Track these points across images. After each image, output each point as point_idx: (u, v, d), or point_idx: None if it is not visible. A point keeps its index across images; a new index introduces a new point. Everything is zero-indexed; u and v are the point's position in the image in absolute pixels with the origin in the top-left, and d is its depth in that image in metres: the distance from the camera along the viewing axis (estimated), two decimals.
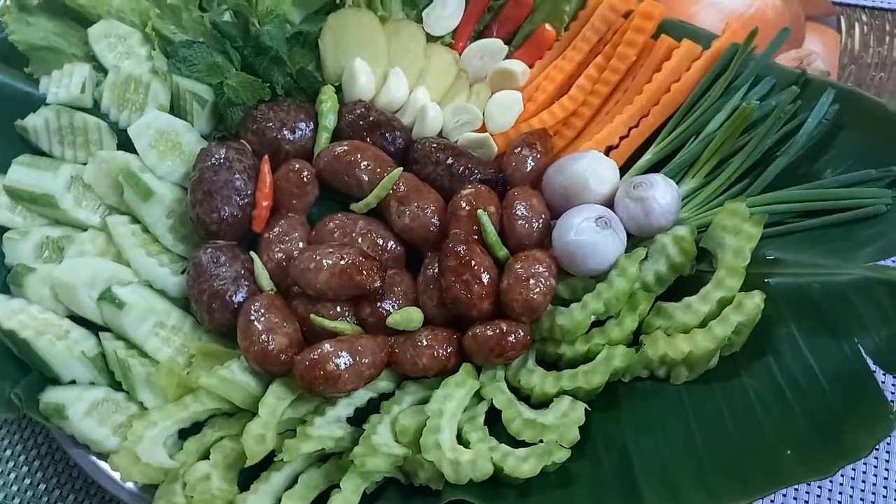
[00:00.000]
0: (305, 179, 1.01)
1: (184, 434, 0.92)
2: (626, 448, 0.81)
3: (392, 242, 0.98)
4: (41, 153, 1.06)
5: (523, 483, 0.81)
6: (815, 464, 0.73)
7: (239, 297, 0.95)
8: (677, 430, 0.81)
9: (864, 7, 1.24)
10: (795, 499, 0.93)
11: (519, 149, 1.01)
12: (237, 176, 0.99)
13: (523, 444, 0.85)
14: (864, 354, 0.77)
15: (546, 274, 0.89)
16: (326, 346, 0.87)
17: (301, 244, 0.98)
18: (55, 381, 0.93)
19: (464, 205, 0.94)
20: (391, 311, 0.93)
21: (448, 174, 1.01)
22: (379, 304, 0.93)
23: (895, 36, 1.20)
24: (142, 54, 1.10)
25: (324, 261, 0.91)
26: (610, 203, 0.95)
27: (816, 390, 0.78)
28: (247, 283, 0.96)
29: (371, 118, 1.05)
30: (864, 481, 0.94)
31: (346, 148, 1.01)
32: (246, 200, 0.99)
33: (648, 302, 0.88)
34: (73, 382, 0.94)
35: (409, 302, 0.95)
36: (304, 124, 1.05)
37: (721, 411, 0.82)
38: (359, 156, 1.01)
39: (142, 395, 0.92)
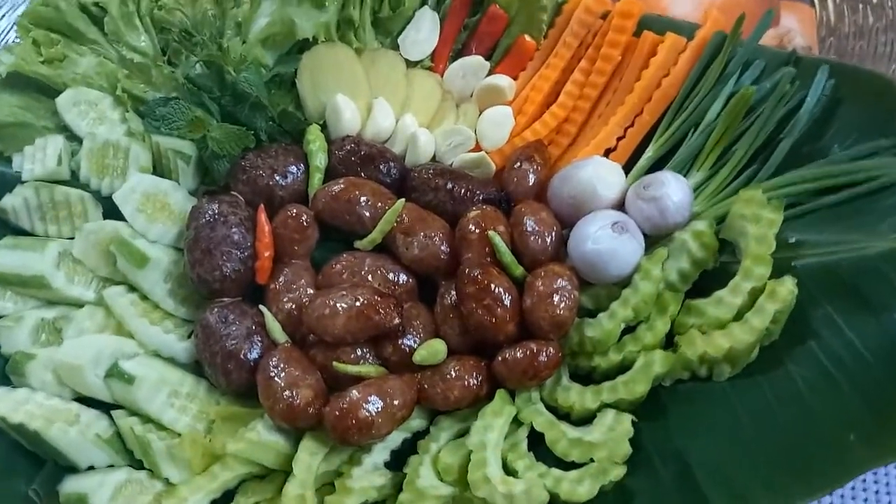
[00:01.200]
0: (305, 224, 0.98)
1: None
2: (681, 455, 0.79)
3: (403, 275, 0.96)
4: (23, 232, 1.02)
5: None
6: (881, 447, 0.71)
7: (254, 355, 0.91)
8: (730, 428, 0.79)
9: None
10: None
11: (518, 164, 1.00)
12: (234, 230, 0.96)
13: (573, 465, 0.82)
14: None
15: (569, 287, 0.87)
16: (354, 393, 0.84)
17: (310, 290, 0.95)
18: (72, 469, 0.89)
19: (472, 228, 0.92)
20: (413, 346, 0.91)
21: (450, 199, 0.99)
22: (400, 340, 0.91)
23: (868, 2, 1.21)
24: (115, 118, 1.07)
25: (338, 304, 0.88)
26: (620, 207, 0.93)
27: (863, 367, 0.76)
28: (260, 338, 0.92)
29: (362, 152, 1.03)
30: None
31: (342, 186, 0.99)
32: (246, 253, 0.96)
33: (678, 302, 0.86)
34: (91, 468, 0.90)
35: (429, 334, 0.92)
36: (294, 167, 1.02)
37: (771, 403, 0.80)
38: (357, 192, 0.98)
39: (166, 470, 0.89)
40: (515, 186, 0.99)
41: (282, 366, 0.88)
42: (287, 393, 0.86)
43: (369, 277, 0.95)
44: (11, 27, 1.41)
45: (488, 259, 0.91)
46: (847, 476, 0.71)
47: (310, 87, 1.08)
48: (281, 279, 0.96)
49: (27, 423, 0.87)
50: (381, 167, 1.02)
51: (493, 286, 0.87)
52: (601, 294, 0.90)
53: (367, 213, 0.98)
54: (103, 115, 1.07)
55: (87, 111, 1.06)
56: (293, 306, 0.94)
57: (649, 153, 0.98)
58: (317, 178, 1.02)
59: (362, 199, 0.98)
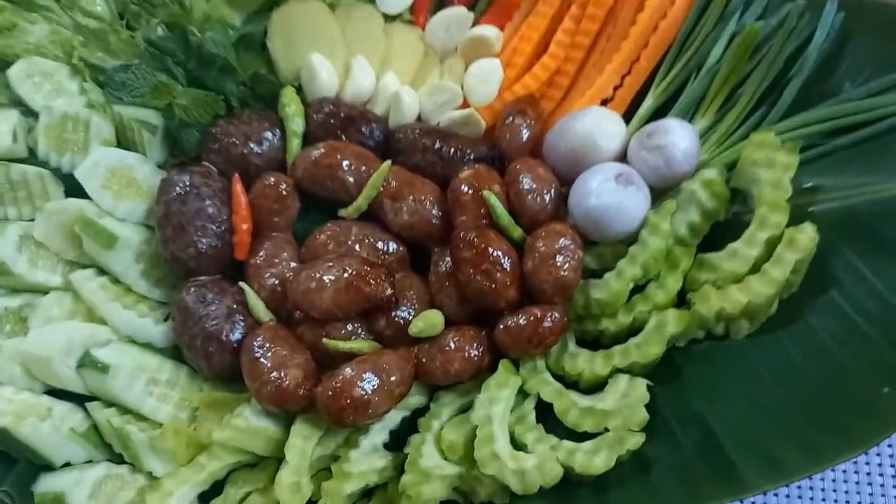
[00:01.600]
0: (284, 192, 0.91)
1: (205, 497, 0.83)
2: (702, 419, 0.75)
3: (393, 244, 0.90)
4: None
5: (598, 478, 0.73)
6: None
7: (236, 335, 0.87)
8: (752, 388, 0.75)
9: None
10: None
11: (510, 118, 0.94)
12: (207, 202, 0.90)
13: (585, 435, 0.77)
14: None
15: (572, 247, 0.82)
16: (347, 371, 0.79)
17: (293, 264, 0.90)
18: (47, 467, 0.84)
19: (465, 189, 0.86)
20: (408, 317, 0.85)
21: (439, 160, 0.93)
22: (393, 313, 0.85)
23: None
24: (73, 89, 1.00)
25: (325, 277, 0.82)
26: (622, 158, 0.87)
27: (891, 314, 0.73)
28: (242, 317, 0.87)
29: (342, 114, 0.97)
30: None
31: (322, 150, 0.92)
32: (223, 228, 0.90)
33: (689, 256, 0.81)
34: (67, 465, 0.85)
35: (424, 305, 0.87)
36: (269, 133, 0.96)
37: (795, 359, 0.76)
38: (338, 156, 0.92)
39: (149, 463, 0.84)
40: (508, 143, 0.93)
41: (267, 345, 0.83)
42: (275, 374, 0.80)
43: (356, 247, 0.89)
44: None
45: (484, 221, 0.86)
46: (887, 430, 0.67)
47: (282, 48, 1.01)
48: (261, 254, 0.90)
49: None
50: (363, 129, 0.96)
51: (490, 249, 0.82)
52: (606, 253, 0.85)
53: (351, 179, 0.91)
54: (60, 86, 1.00)
55: (41, 83, 0.99)
56: (276, 282, 0.89)
57: (649, 101, 0.94)
58: (294, 143, 0.96)
59: (345, 163, 0.91)
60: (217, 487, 0.84)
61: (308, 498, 0.78)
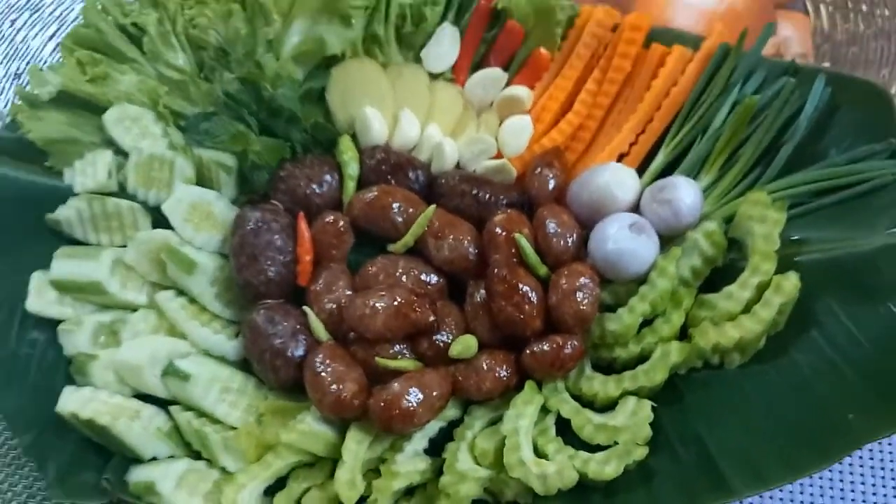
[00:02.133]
0: (342, 229, 1.05)
1: (270, 491, 0.95)
2: (699, 437, 0.86)
3: (434, 276, 1.03)
4: (75, 242, 1.09)
5: (608, 484, 0.85)
6: (877, 423, 0.79)
7: (299, 352, 0.98)
8: (743, 411, 0.86)
9: None
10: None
11: (539, 170, 1.07)
12: (276, 236, 1.03)
13: (597, 447, 0.90)
14: None
15: (591, 284, 0.94)
16: (396, 386, 0.92)
17: (348, 291, 1.02)
18: (137, 460, 0.96)
19: (499, 231, 1.00)
20: (447, 341, 0.98)
21: (475, 203, 1.06)
22: (435, 336, 0.98)
23: (859, 10, 1.28)
24: (157, 132, 1.13)
25: (377, 304, 0.95)
26: (635, 209, 1.01)
27: (863, 354, 0.84)
28: (304, 336, 0.99)
29: (392, 161, 1.10)
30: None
31: (375, 194, 1.06)
32: (288, 258, 1.03)
33: (691, 296, 0.94)
34: (153, 459, 0.96)
35: (460, 330, 0.99)
36: (329, 176, 1.09)
37: (779, 388, 0.87)
38: (389, 199, 1.05)
39: (223, 460, 0.96)
40: (537, 191, 1.06)
41: (327, 362, 0.95)
42: (334, 387, 0.93)
43: (403, 278, 1.02)
44: (44, 46, 1.47)
45: (515, 260, 0.98)
46: (849, 448, 0.80)
47: (339, 100, 1.15)
48: (321, 281, 1.03)
49: (96, 419, 0.94)
50: (410, 175, 1.10)
51: (520, 285, 0.95)
52: (620, 290, 0.97)
53: (400, 219, 1.05)
54: (146, 129, 1.12)
55: (131, 127, 1.12)
56: (334, 306, 1.01)
57: (660, 158, 1.06)
58: (350, 186, 1.09)
59: (394, 205, 1.05)
60: (280, 483, 0.95)
61: (361, 493, 0.90)
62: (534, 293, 0.95)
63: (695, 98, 1.06)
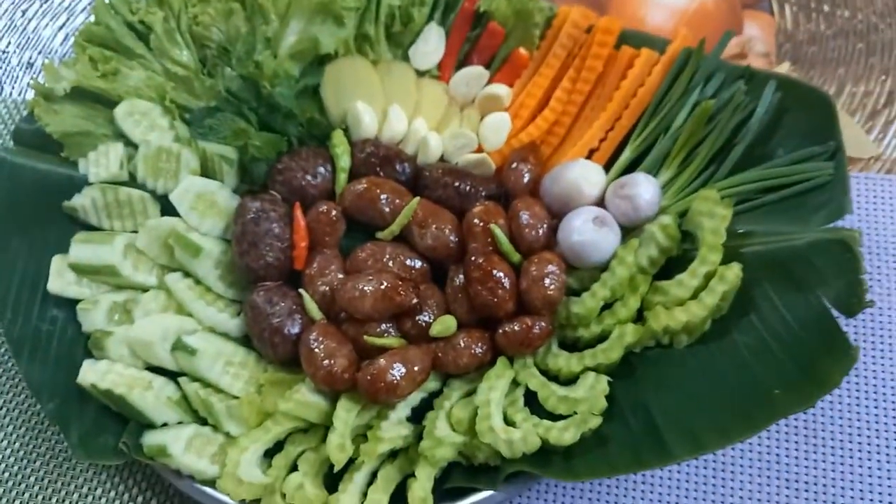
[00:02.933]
0: (335, 218, 1.15)
1: (267, 453, 1.07)
2: (647, 408, 0.98)
3: (418, 261, 1.13)
4: (89, 227, 1.19)
5: (567, 449, 0.97)
6: (799, 397, 0.90)
7: (295, 330, 1.09)
8: (687, 386, 0.97)
9: None
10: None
11: (515, 164, 1.17)
12: (274, 224, 1.13)
13: (560, 417, 1.01)
14: (826, 303, 0.93)
15: (557, 271, 1.05)
16: (382, 361, 1.02)
17: (340, 275, 1.13)
18: (150, 426, 1.07)
19: (477, 221, 1.10)
20: (428, 321, 1.08)
21: (457, 195, 1.16)
22: (418, 317, 1.09)
23: (820, 11, 1.37)
24: (164, 125, 1.22)
25: (366, 288, 1.06)
26: (601, 202, 1.11)
27: (793, 337, 0.95)
28: (299, 316, 1.10)
29: (381, 154, 1.20)
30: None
31: (365, 185, 1.16)
32: (286, 244, 1.13)
33: (647, 283, 1.04)
34: (164, 425, 1.07)
35: (441, 311, 1.10)
36: (322, 168, 1.19)
37: (721, 365, 0.98)
38: (378, 190, 1.15)
39: (227, 426, 1.06)
40: (513, 184, 1.16)
41: (320, 339, 1.06)
42: (326, 362, 1.03)
43: (390, 263, 1.12)
44: (54, 36, 1.55)
45: (490, 248, 1.09)
46: (772, 418, 0.92)
47: (332, 96, 1.24)
48: (315, 266, 1.14)
49: (113, 389, 1.04)
50: (398, 167, 1.19)
51: (494, 271, 1.05)
52: (585, 276, 1.08)
53: (387, 209, 1.15)
54: (154, 123, 1.21)
55: (140, 120, 1.21)
56: (327, 289, 1.12)
57: (626, 154, 1.15)
58: (342, 177, 1.19)
59: (382, 196, 1.15)
60: (278, 446, 1.06)
61: (350, 455, 1.01)
62: (507, 279, 1.06)
63: (659, 98, 1.15)
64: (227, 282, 1.16)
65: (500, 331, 1.05)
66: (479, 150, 1.23)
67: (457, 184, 1.16)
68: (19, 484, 1.17)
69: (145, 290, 1.15)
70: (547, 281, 1.04)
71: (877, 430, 1.11)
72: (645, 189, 1.05)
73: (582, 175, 1.10)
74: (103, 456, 1.04)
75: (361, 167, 1.19)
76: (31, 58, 1.51)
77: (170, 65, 1.24)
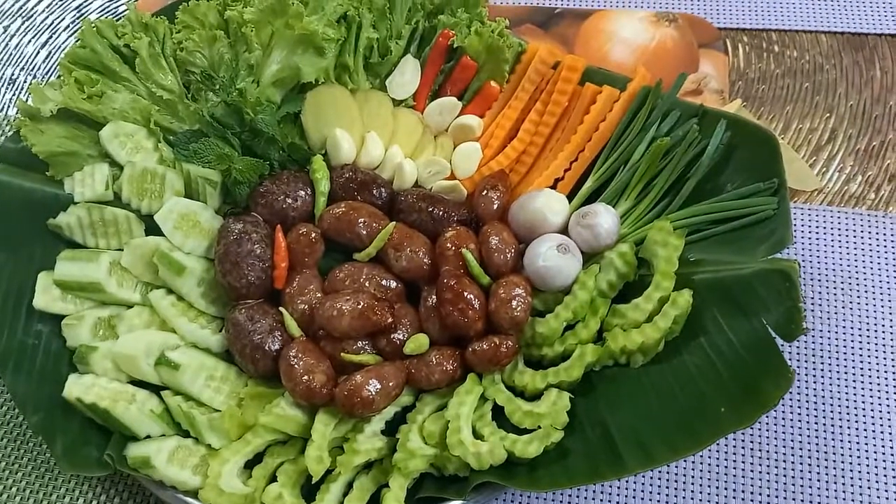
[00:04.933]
0: (314, 240, 1.22)
1: (248, 465, 1.12)
2: (605, 423, 1.06)
3: (393, 282, 1.20)
4: (75, 245, 1.23)
5: (531, 461, 1.05)
6: (741, 415, 0.98)
7: (276, 346, 1.15)
8: (642, 403, 1.06)
9: (744, 29, 1.52)
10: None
11: (485, 192, 1.25)
12: (256, 245, 1.19)
13: (525, 430, 1.09)
14: (768, 328, 1.01)
15: (524, 294, 1.13)
16: (358, 377, 1.09)
17: (318, 294, 1.19)
18: (133, 438, 1.11)
19: (449, 245, 1.18)
20: (403, 339, 1.15)
21: (430, 219, 1.24)
22: (392, 335, 1.15)
23: (771, 52, 1.48)
24: (149, 147, 1.27)
25: (343, 307, 1.12)
26: (564, 229, 1.19)
27: (737, 358, 1.03)
28: (279, 333, 1.16)
29: (358, 179, 1.27)
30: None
31: (343, 209, 1.23)
32: (267, 264, 1.19)
33: (606, 306, 1.13)
34: (147, 437, 1.11)
35: (415, 330, 1.17)
36: (303, 192, 1.25)
37: (672, 384, 1.07)
38: (356, 214, 1.22)
39: (209, 438, 1.11)
40: (483, 210, 1.24)
41: (300, 355, 1.11)
42: (305, 377, 1.09)
43: (366, 284, 1.19)
44: (37, 53, 1.58)
45: (462, 271, 1.17)
46: (717, 435, 1.00)
47: (312, 122, 1.31)
48: (294, 285, 1.20)
49: (98, 403, 1.09)
50: (375, 192, 1.26)
51: (465, 293, 1.13)
52: (549, 299, 1.17)
53: (364, 231, 1.22)
54: (139, 144, 1.26)
55: (125, 142, 1.25)
56: (305, 307, 1.18)
57: (589, 184, 1.24)
58: (322, 201, 1.26)
59: (360, 220, 1.22)
60: (257, 457, 1.11)
61: (328, 467, 1.07)
62: (476, 300, 1.14)
63: (619, 133, 1.25)
64: (210, 299, 1.21)
65: (470, 349, 1.11)
66: (452, 177, 1.30)
67: (430, 209, 1.24)
68: (1, 494, 1.21)
69: (129, 306, 1.20)
70: (514, 303, 1.11)
71: (816, 444, 1.21)
72: (604, 219, 1.14)
73: (546, 204, 1.19)
74: (88, 467, 1.07)
75: (340, 191, 1.26)
76: (13, 74, 1.55)
77: (154, 88, 1.29)
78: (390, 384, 1.10)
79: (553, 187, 1.25)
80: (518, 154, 1.30)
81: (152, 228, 1.21)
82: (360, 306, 1.12)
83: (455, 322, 1.13)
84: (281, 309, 1.18)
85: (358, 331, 1.13)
